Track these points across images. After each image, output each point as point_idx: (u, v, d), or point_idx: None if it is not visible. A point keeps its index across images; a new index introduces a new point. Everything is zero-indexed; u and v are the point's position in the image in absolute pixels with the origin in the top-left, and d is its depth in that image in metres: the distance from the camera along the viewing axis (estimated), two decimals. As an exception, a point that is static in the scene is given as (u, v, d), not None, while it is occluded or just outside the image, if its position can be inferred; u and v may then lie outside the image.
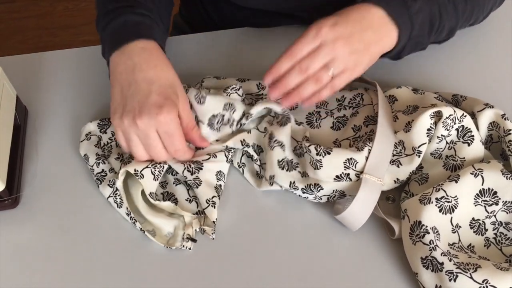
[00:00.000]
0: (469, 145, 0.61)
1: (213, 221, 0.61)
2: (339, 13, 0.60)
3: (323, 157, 0.60)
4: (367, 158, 0.60)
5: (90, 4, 2.04)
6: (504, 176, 0.58)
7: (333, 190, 0.61)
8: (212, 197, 0.62)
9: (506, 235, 0.58)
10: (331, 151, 0.60)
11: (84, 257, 0.61)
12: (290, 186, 0.62)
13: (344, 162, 0.60)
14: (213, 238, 0.62)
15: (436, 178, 0.61)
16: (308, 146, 0.61)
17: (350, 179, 0.60)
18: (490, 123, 0.63)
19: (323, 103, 0.69)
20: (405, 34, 0.62)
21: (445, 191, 0.58)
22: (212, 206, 0.62)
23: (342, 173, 0.60)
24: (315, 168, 0.60)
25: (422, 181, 0.62)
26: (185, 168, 0.63)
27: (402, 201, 0.61)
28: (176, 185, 0.65)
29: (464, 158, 0.61)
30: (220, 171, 0.65)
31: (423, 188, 0.61)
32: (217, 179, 0.64)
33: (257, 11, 0.81)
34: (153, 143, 0.59)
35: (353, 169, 0.60)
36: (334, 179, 0.60)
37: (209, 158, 0.64)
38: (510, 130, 0.61)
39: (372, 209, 0.59)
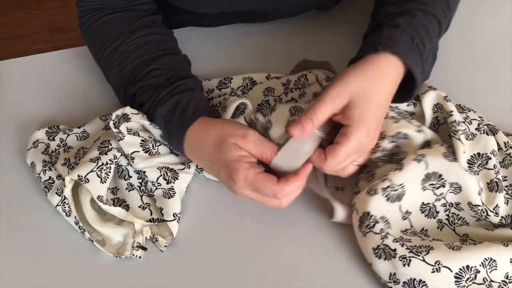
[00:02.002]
0: (407, 139, 0.61)
1: (173, 236, 0.60)
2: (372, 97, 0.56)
3: (270, 114, 0.60)
4: None
5: (42, 12, 2.00)
6: (446, 159, 0.58)
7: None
8: (180, 212, 0.61)
9: (458, 215, 0.59)
10: (275, 109, 0.60)
11: (33, 268, 0.59)
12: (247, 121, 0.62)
13: (289, 110, 0.60)
14: (162, 251, 0.60)
15: (382, 173, 0.61)
16: (255, 115, 0.61)
17: None
18: (435, 105, 0.64)
19: (270, 90, 0.68)
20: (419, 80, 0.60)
21: (391, 180, 0.58)
22: (177, 221, 0.61)
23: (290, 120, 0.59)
24: (267, 130, 0.60)
25: (369, 178, 0.62)
26: (161, 175, 0.62)
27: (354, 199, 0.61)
28: (129, 191, 0.64)
29: (406, 151, 0.61)
30: (189, 183, 0.64)
31: (372, 183, 0.60)
32: (184, 191, 0.64)
33: (200, 14, 0.80)
34: (261, 201, 0.57)
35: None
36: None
37: (184, 168, 0.64)
38: (452, 111, 0.61)
39: (305, 159, 0.57)
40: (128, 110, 0.62)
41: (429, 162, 0.58)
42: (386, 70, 0.58)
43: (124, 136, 0.62)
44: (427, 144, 0.62)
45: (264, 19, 0.81)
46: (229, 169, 0.56)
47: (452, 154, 0.59)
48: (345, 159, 0.56)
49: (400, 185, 0.58)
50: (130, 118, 0.61)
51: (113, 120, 0.61)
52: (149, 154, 0.63)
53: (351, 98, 0.55)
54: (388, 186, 0.58)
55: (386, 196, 0.58)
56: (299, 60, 0.71)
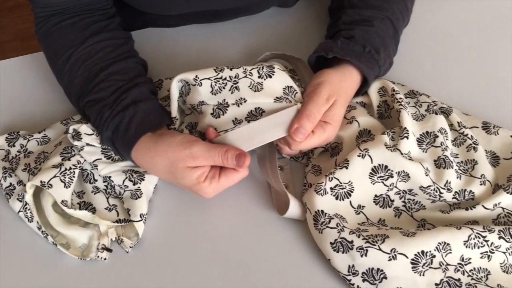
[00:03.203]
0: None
1: (139, 237, 0.61)
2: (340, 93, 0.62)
3: (265, 79, 0.61)
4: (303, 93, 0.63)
5: (13, 20, 1.98)
6: (388, 150, 0.60)
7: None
8: (146, 213, 0.62)
9: (414, 199, 0.60)
10: (273, 74, 0.62)
11: (-3, 277, 0.59)
12: (234, 123, 0.62)
13: (283, 89, 0.62)
14: (127, 252, 0.61)
15: (328, 168, 0.62)
16: (251, 70, 0.62)
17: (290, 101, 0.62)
18: (380, 88, 0.66)
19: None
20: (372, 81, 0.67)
21: (338, 179, 0.59)
22: (143, 221, 0.61)
23: (282, 96, 0.61)
24: (255, 91, 0.61)
25: (316, 173, 0.63)
26: (126, 178, 0.63)
27: (303, 194, 0.62)
28: (94, 193, 0.64)
29: (341, 142, 0.63)
30: (156, 184, 0.65)
31: (319, 178, 0.61)
32: (152, 192, 0.64)
33: (162, 15, 0.80)
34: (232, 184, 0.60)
35: (292, 97, 0.61)
36: (274, 100, 0.61)
37: None
38: (397, 90, 0.64)
39: (265, 142, 0.60)
40: (83, 129, 0.63)
41: (372, 156, 0.59)
42: (354, 78, 0.65)
43: (84, 146, 0.63)
44: (367, 133, 0.63)
45: (225, 18, 0.81)
46: (194, 191, 0.60)
47: (393, 140, 0.61)
48: (313, 147, 0.62)
49: (348, 182, 0.59)
50: (81, 138, 0.62)
51: (71, 133, 0.62)
52: (112, 160, 0.64)
53: (337, 97, 0.61)
54: (336, 185, 0.59)
55: (334, 195, 0.59)
56: (265, 54, 0.72)
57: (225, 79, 0.63)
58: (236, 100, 0.62)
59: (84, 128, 0.63)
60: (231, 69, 0.63)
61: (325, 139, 0.61)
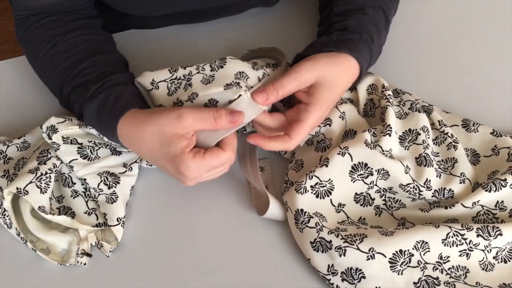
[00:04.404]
0: (330, 126, 0.63)
1: (118, 241, 0.60)
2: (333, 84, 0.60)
3: (216, 71, 0.60)
4: (260, 79, 0.61)
5: (5, 22, 1.98)
6: (368, 147, 0.59)
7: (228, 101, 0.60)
8: (124, 216, 0.61)
9: (394, 198, 0.60)
10: (225, 64, 0.61)
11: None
12: None
13: (235, 74, 0.60)
14: (107, 256, 0.60)
15: (311, 162, 0.62)
16: (203, 65, 0.61)
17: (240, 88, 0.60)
18: (369, 85, 0.65)
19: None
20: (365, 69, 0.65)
21: (318, 177, 0.59)
22: (121, 225, 0.61)
23: (232, 81, 0.59)
24: (206, 84, 0.60)
25: (298, 168, 0.63)
26: (101, 181, 0.62)
27: (284, 193, 0.62)
28: (74, 198, 0.64)
29: (331, 138, 0.63)
30: (133, 186, 0.64)
31: (300, 175, 0.61)
32: (129, 194, 0.64)
33: (143, 17, 0.80)
34: (214, 175, 0.59)
35: (243, 81, 0.60)
36: (224, 87, 0.59)
37: (125, 171, 0.64)
38: (388, 86, 0.64)
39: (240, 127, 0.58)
40: (53, 120, 0.62)
41: (352, 154, 0.59)
42: (351, 66, 0.62)
43: (60, 145, 0.62)
44: (353, 134, 0.63)
45: (208, 18, 0.81)
46: (175, 163, 0.56)
47: (374, 136, 0.60)
48: (306, 134, 0.59)
49: (328, 180, 0.59)
50: (57, 129, 0.61)
51: (45, 132, 0.62)
52: (88, 159, 0.63)
53: (318, 79, 0.59)
54: (316, 183, 0.59)
55: (315, 193, 0.58)
56: (244, 52, 0.71)
57: (179, 78, 0.62)
58: (189, 96, 0.61)
59: (54, 119, 0.62)
60: (184, 68, 0.63)
61: (314, 121, 0.58)
